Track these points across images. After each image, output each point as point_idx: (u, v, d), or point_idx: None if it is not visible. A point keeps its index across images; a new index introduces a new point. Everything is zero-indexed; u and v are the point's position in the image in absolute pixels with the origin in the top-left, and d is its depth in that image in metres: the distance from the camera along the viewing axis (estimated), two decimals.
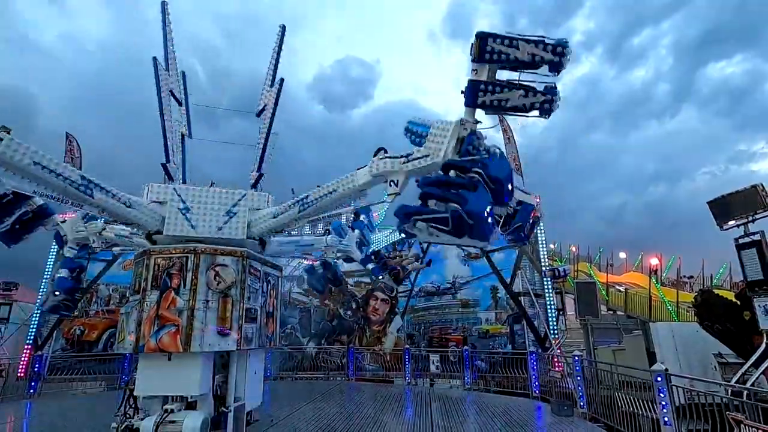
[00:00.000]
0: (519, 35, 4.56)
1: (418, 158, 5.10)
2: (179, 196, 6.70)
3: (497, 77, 4.73)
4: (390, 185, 5.39)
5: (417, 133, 5.26)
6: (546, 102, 4.58)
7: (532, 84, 4.63)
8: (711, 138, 77.39)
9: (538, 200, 6.72)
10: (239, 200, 6.84)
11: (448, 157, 4.84)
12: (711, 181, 74.91)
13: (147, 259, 6.40)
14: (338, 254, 9.78)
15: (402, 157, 5.29)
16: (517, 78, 4.74)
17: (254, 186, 7.85)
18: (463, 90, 4.78)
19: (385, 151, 5.58)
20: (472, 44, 4.61)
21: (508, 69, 4.77)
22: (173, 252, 6.36)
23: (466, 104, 4.78)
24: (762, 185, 7.28)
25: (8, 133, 4.73)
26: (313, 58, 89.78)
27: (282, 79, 8.97)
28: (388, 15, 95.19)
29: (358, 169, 5.82)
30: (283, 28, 8.73)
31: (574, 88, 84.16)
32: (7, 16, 61.42)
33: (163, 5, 8.07)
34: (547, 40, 4.50)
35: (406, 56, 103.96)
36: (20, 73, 59.90)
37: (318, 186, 6.27)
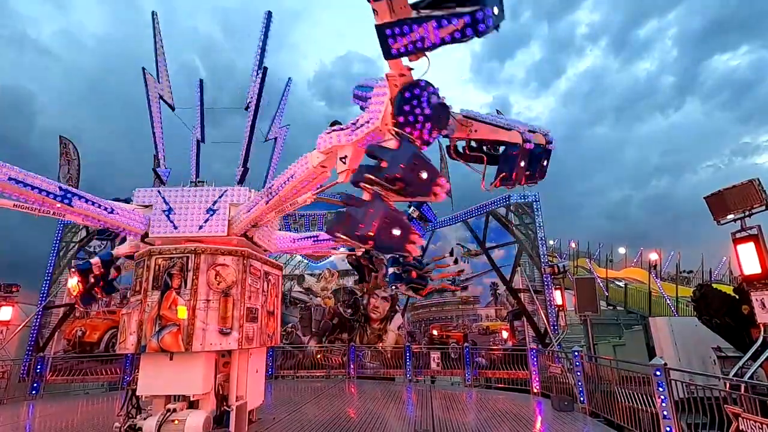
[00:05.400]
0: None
1: (361, 126, 4.39)
2: (163, 198, 6.76)
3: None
4: (339, 162, 4.66)
5: (363, 97, 4.47)
6: (471, 15, 3.30)
7: (447, 8, 3.41)
8: (715, 131, 76.53)
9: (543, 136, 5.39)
10: (219, 197, 6.82)
11: (388, 120, 4.08)
12: (714, 174, 74.39)
13: (148, 259, 6.44)
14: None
15: (348, 127, 4.57)
16: None
17: (240, 181, 7.78)
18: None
19: (340, 124, 4.84)
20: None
21: None
22: (174, 252, 6.40)
23: (386, 57, 3.84)
24: (758, 180, 7.29)
25: None
26: (314, 54, 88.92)
27: (290, 79, 8.91)
28: None
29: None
30: (269, 14, 8.44)
31: (578, 81, 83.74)
32: (4, 14, 61.09)
33: (153, 15, 8.16)
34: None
35: None
36: (19, 71, 59.64)
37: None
